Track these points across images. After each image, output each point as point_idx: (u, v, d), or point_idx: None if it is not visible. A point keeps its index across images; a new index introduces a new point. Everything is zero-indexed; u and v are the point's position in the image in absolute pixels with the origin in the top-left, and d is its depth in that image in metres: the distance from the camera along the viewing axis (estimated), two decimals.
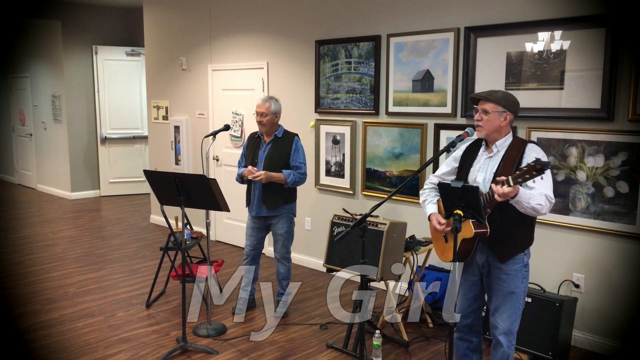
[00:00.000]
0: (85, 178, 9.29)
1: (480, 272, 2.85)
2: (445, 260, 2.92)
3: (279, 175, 4.16)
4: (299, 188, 4.45)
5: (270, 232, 4.40)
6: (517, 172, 2.44)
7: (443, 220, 2.82)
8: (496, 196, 2.50)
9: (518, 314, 2.79)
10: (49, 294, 4.79)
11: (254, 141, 4.37)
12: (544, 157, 2.67)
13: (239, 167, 4.41)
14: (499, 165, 2.73)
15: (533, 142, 2.79)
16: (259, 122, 4.21)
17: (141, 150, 9.44)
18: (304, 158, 4.30)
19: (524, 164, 2.65)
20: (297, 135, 4.34)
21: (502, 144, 2.77)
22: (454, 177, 2.95)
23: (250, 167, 4.17)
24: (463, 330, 2.99)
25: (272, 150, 4.25)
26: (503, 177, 2.49)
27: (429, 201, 2.99)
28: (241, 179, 4.31)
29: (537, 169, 2.36)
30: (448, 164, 3.01)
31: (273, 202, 4.22)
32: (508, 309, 2.76)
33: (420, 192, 3.08)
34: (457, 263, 2.75)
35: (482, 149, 2.86)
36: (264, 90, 5.81)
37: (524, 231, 2.75)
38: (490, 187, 2.59)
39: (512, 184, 2.44)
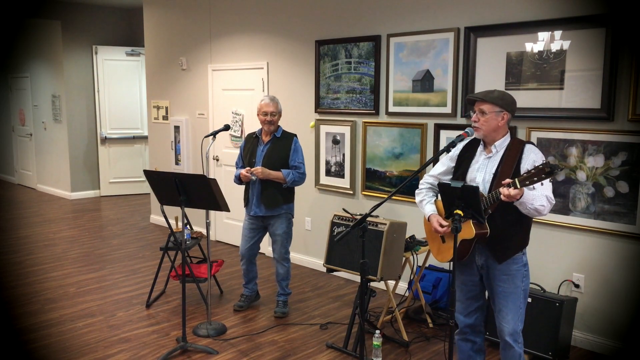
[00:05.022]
0: (85, 178, 9.29)
1: (480, 273, 2.85)
2: (442, 260, 2.91)
3: (278, 174, 4.16)
4: (299, 188, 4.46)
5: (268, 233, 4.40)
6: (525, 175, 2.44)
7: (445, 223, 2.81)
8: (502, 197, 2.51)
9: (521, 313, 2.79)
10: (49, 294, 4.79)
11: (252, 141, 4.37)
12: (542, 159, 2.69)
13: (236, 167, 4.42)
14: (498, 166, 2.73)
15: (531, 143, 2.80)
16: (269, 122, 4.21)
17: (141, 150, 9.44)
18: (303, 158, 4.30)
19: (522, 165, 2.67)
20: (295, 135, 4.35)
21: (501, 145, 2.77)
22: (450, 176, 2.94)
23: (247, 168, 4.18)
24: (466, 331, 2.97)
25: (271, 150, 4.25)
26: (509, 180, 2.50)
27: (427, 201, 2.97)
28: (239, 180, 4.30)
29: (546, 171, 2.36)
30: (444, 164, 3.00)
31: (272, 202, 4.21)
32: (510, 310, 2.75)
33: (417, 192, 3.06)
34: (453, 262, 2.74)
35: (480, 149, 2.85)
36: (263, 90, 5.81)
37: (522, 232, 2.76)
38: (492, 189, 2.59)
39: (519, 186, 2.46)
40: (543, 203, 2.57)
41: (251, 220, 4.36)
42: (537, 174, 2.40)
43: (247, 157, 4.33)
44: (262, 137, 4.31)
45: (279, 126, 4.32)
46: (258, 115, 4.26)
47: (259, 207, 4.25)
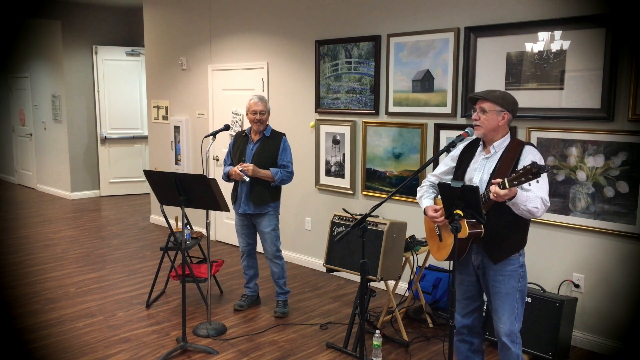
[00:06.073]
0: (85, 178, 9.29)
1: (476, 273, 2.85)
2: (440, 259, 2.92)
3: (266, 172, 4.19)
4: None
5: (257, 232, 4.41)
6: (513, 175, 2.45)
7: (438, 207, 2.82)
8: (492, 196, 2.52)
9: (518, 314, 2.78)
10: (49, 294, 4.79)
11: (241, 139, 4.38)
12: (540, 160, 2.68)
13: (224, 165, 4.43)
14: (495, 166, 2.73)
15: (531, 144, 2.80)
16: (259, 121, 4.24)
17: (141, 150, 9.44)
18: (291, 157, 4.33)
19: (520, 166, 2.65)
20: (284, 134, 4.38)
21: (500, 145, 2.77)
22: (451, 176, 2.95)
23: (240, 164, 4.19)
24: (463, 332, 2.98)
25: (260, 149, 4.27)
26: (499, 179, 2.50)
27: (426, 196, 2.99)
28: (227, 177, 4.31)
29: (534, 172, 2.36)
30: (445, 163, 3.02)
31: (260, 199, 4.23)
32: (507, 311, 2.76)
33: (418, 189, 3.08)
34: (453, 262, 2.75)
35: (479, 149, 2.86)
36: (263, 90, 5.81)
37: (518, 233, 2.75)
38: (487, 188, 2.60)
39: (507, 186, 2.46)
40: (537, 205, 2.56)
41: (241, 217, 4.39)
42: (524, 174, 2.40)
43: (236, 156, 4.35)
44: (252, 136, 4.34)
45: (267, 125, 4.34)
46: (247, 114, 4.28)
47: (247, 205, 4.27)
